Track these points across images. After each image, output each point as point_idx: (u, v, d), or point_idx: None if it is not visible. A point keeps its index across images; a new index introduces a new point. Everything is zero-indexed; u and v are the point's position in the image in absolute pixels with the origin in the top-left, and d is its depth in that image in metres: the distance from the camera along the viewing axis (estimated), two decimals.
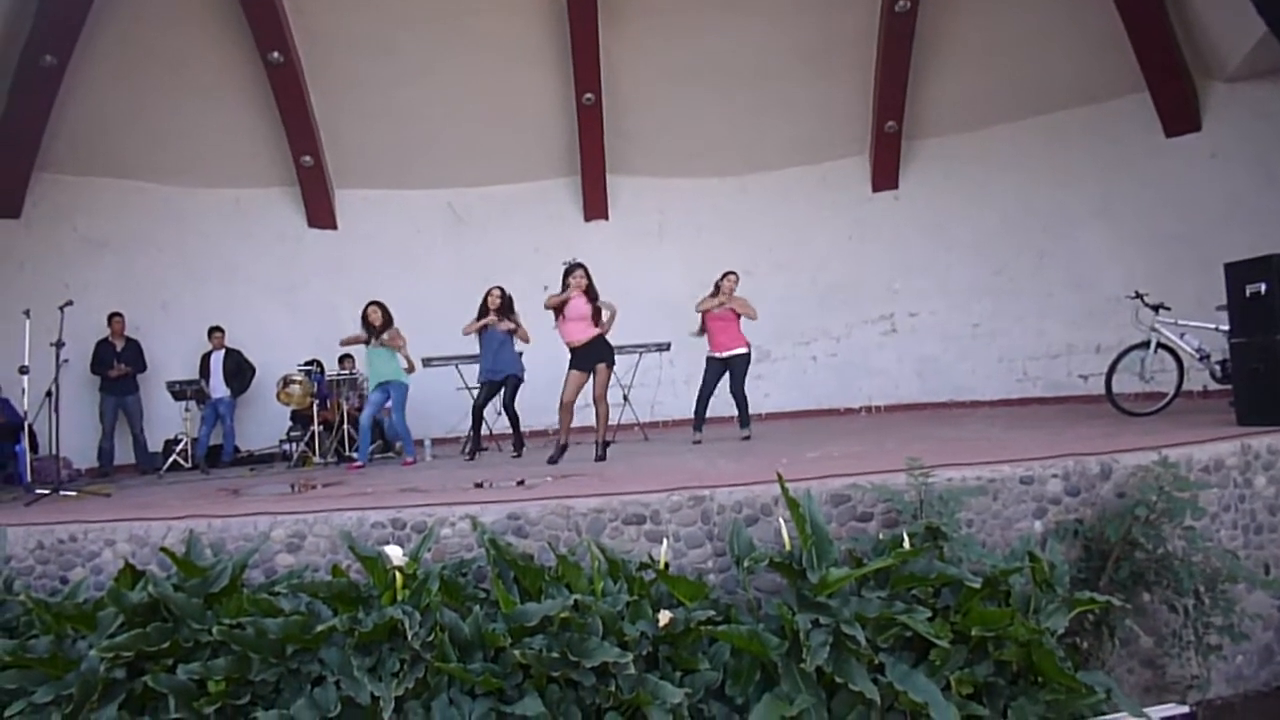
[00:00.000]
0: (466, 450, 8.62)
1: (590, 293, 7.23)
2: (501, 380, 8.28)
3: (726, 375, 8.18)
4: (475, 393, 8.71)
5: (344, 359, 10.12)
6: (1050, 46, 10.33)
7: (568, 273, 7.25)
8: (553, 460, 7.02)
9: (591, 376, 7.18)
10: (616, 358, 9.55)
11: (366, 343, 8.34)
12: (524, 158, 11.99)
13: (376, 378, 8.40)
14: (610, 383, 7.28)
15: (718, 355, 8.22)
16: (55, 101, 9.58)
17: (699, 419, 8.32)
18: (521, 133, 11.75)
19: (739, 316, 8.21)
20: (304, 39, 10.39)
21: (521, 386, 8.44)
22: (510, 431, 8.68)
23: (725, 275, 8.32)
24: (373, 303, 8.36)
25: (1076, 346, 10.47)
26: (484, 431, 8.84)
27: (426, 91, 11.00)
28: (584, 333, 7.16)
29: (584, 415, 8.12)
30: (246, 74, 10.54)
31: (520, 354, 8.56)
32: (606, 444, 7.31)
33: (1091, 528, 4.37)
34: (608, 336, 7.31)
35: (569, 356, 7.26)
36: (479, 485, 5.68)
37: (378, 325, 8.26)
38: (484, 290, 8.46)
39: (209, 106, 10.61)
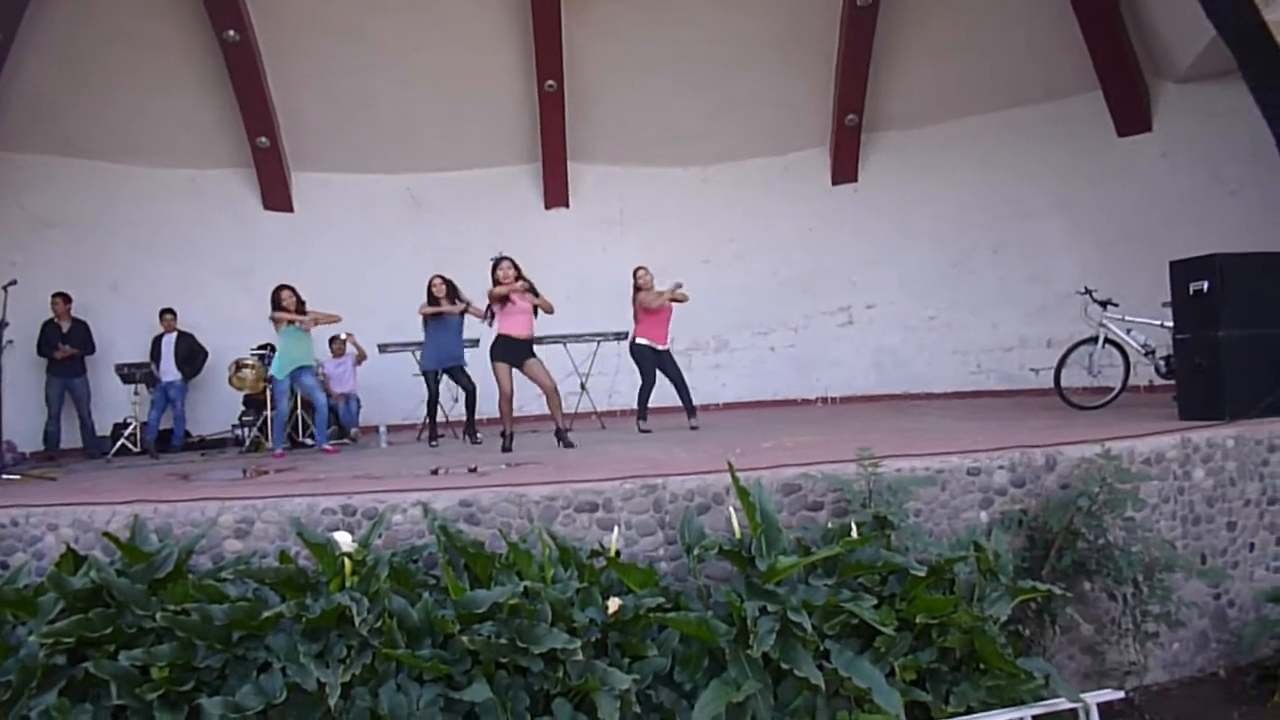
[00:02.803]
0: (428, 437, 8.67)
1: (528, 283, 7.28)
2: (452, 368, 8.37)
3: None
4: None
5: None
6: (1009, 43, 10.47)
7: (494, 267, 7.25)
8: (507, 449, 6.97)
9: (526, 372, 7.18)
10: (574, 346, 9.66)
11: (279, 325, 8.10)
12: (485, 144, 11.91)
13: (290, 364, 8.08)
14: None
15: (657, 347, 8.22)
16: (1, 77, 9.32)
17: (644, 409, 8.29)
18: (483, 118, 11.67)
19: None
20: (261, 18, 10.22)
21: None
22: (464, 418, 8.69)
23: (638, 270, 8.35)
24: (284, 286, 8.14)
25: (1029, 340, 10.66)
26: (440, 418, 8.82)
27: (387, 74, 10.89)
28: (527, 326, 7.23)
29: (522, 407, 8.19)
30: (202, 52, 10.36)
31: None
32: (567, 429, 7.28)
33: (1036, 518, 4.46)
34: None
35: (493, 347, 7.20)
36: (434, 472, 5.67)
37: (293, 309, 8.02)
38: (443, 272, 8.48)
39: (163, 84, 10.41)
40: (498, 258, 7.31)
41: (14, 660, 3.49)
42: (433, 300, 8.34)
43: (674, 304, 8.24)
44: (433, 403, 8.55)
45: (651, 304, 8.19)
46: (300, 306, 8.06)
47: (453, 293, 8.39)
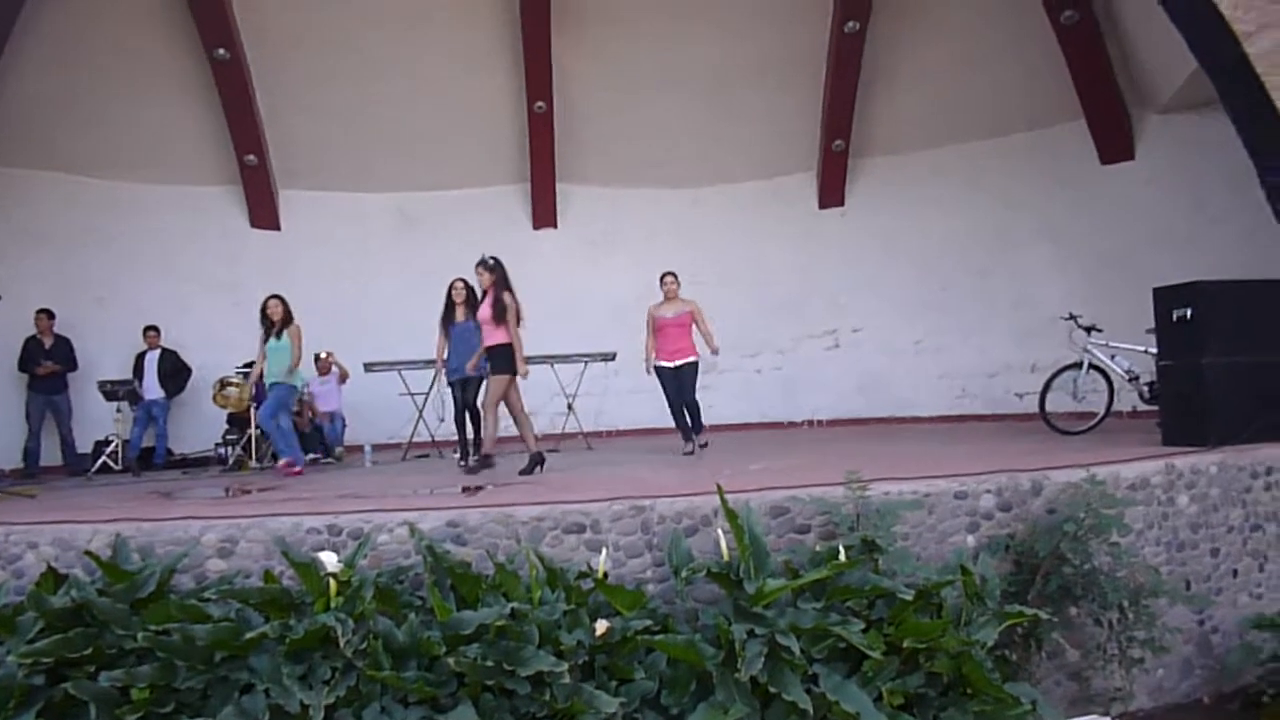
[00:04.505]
0: (457, 456, 8.14)
1: (497, 289, 6.82)
2: (469, 378, 7.85)
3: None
4: (417, 398, 8.53)
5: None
6: (995, 72, 10.60)
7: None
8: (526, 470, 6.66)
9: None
10: (561, 367, 9.55)
11: (265, 339, 7.88)
12: (475, 163, 11.93)
13: (270, 376, 7.82)
14: (500, 397, 6.79)
15: (668, 365, 7.88)
16: None
17: (682, 430, 8.00)
18: (473, 138, 11.70)
19: (693, 321, 7.92)
20: (251, 36, 10.23)
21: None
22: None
23: (664, 276, 8.03)
24: (273, 296, 7.97)
25: (1014, 364, 10.73)
26: (428, 437, 8.65)
27: (377, 94, 10.91)
28: (489, 337, 6.85)
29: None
30: (191, 69, 10.35)
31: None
32: (486, 457, 6.94)
33: (1022, 542, 4.47)
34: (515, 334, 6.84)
35: None
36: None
37: (278, 320, 7.84)
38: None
39: (152, 101, 10.40)
40: (479, 260, 7.00)
41: None
42: (449, 305, 7.94)
43: (685, 317, 7.91)
44: (458, 417, 8.05)
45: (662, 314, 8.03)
46: (288, 316, 7.90)
47: (472, 300, 7.87)
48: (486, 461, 6.94)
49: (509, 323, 6.76)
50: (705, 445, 8.00)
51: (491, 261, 6.97)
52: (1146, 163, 10.09)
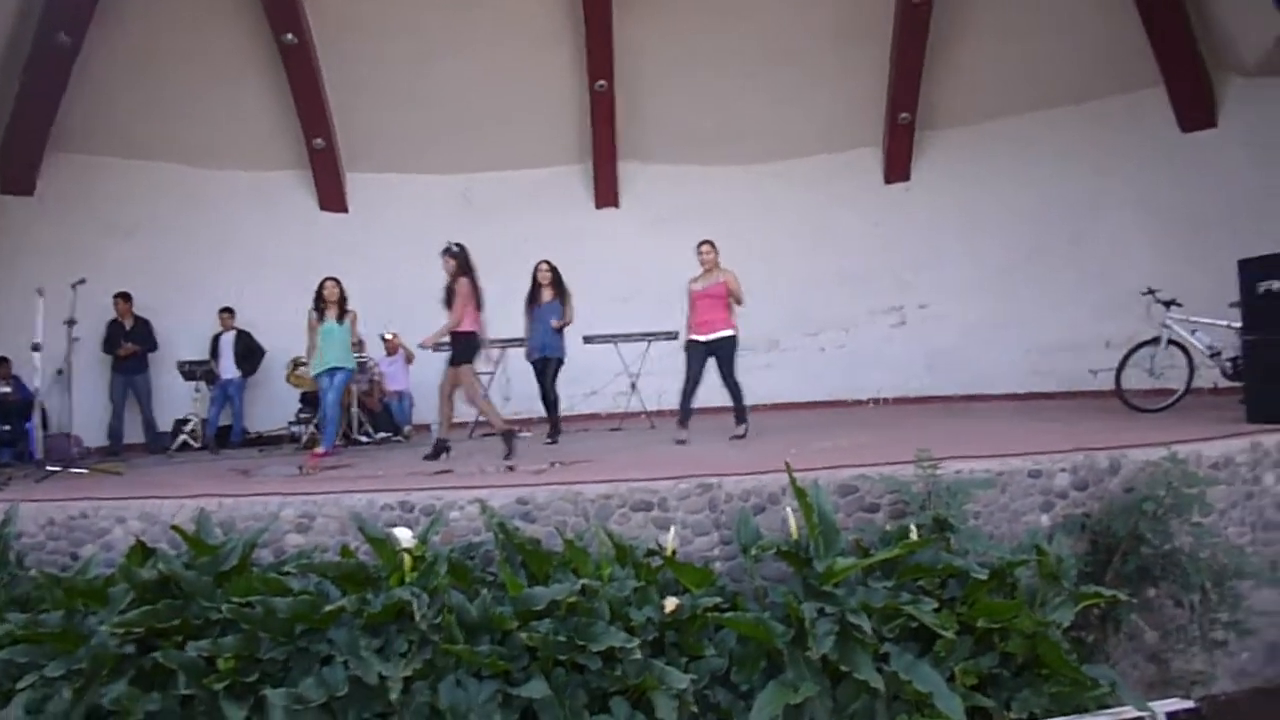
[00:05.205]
0: (548, 435, 8.25)
1: (457, 275, 6.95)
2: (548, 358, 8.00)
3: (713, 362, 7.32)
4: (483, 378, 8.61)
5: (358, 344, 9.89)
6: (1065, 39, 10.24)
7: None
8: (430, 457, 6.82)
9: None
10: (625, 346, 9.57)
11: (320, 321, 7.77)
12: (537, 143, 11.95)
13: (328, 361, 7.69)
14: (456, 384, 6.97)
15: (700, 339, 7.31)
16: (69, 80, 9.59)
17: (684, 413, 7.37)
18: (534, 118, 11.72)
19: (728, 294, 7.35)
20: (318, 20, 10.38)
21: (562, 368, 8.19)
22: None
23: (700, 246, 7.50)
24: (330, 278, 7.92)
25: (1087, 341, 10.39)
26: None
27: (439, 75, 10.99)
28: (456, 324, 6.93)
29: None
30: (260, 55, 10.55)
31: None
32: (441, 442, 6.96)
33: (1099, 522, 4.37)
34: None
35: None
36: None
37: (335, 302, 7.78)
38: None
39: (223, 87, 10.63)
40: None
41: (86, 649, 3.60)
42: (535, 287, 8.09)
43: (718, 288, 7.31)
44: (544, 396, 8.16)
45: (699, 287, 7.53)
46: (343, 300, 7.91)
47: (558, 282, 8.09)
48: (442, 446, 6.92)
49: (455, 309, 6.87)
50: (743, 437, 7.22)
51: (455, 249, 7.04)
52: (1229, 129, 9.67)
